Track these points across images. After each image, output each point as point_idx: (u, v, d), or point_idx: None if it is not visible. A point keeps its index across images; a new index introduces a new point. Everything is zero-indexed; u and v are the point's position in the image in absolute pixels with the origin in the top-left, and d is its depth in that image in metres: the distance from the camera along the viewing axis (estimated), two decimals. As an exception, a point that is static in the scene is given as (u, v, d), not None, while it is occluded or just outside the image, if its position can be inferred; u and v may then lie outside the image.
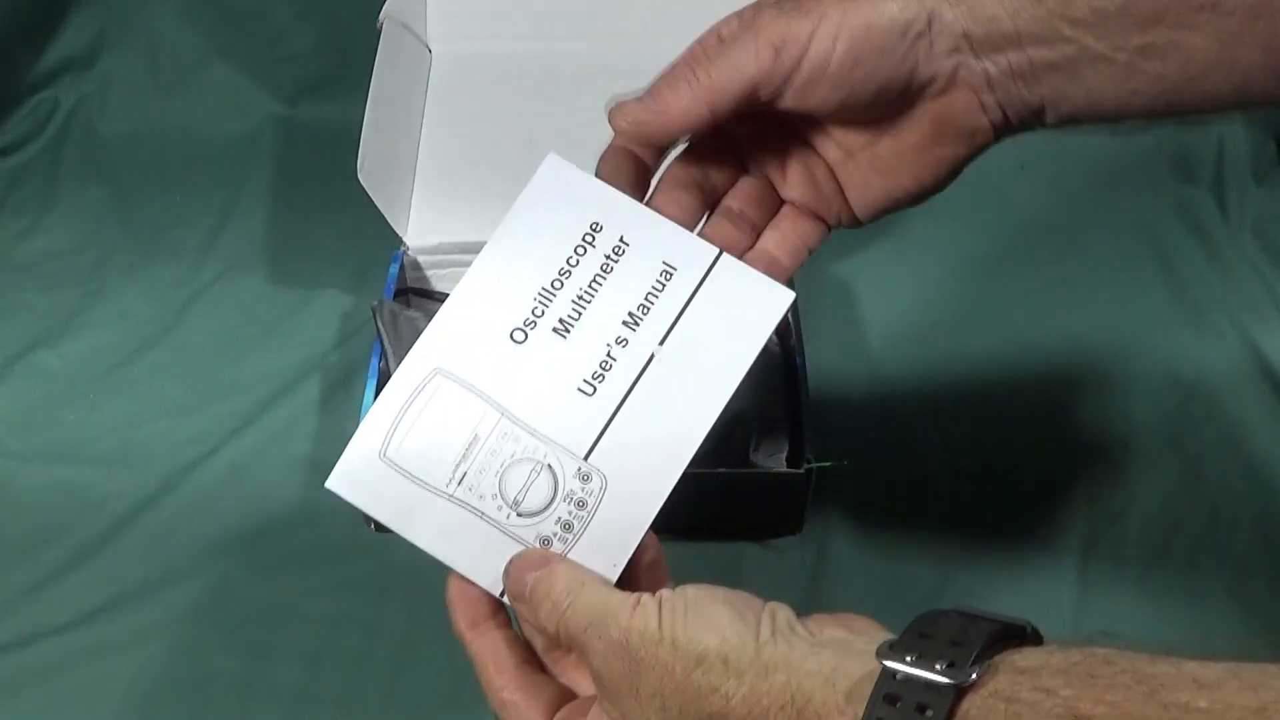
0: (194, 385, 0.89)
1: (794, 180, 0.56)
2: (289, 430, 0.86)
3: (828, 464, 0.72)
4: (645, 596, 0.46)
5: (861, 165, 0.55)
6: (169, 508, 0.82)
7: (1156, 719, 0.36)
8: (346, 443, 0.51)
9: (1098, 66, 0.51)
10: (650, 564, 0.52)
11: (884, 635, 0.43)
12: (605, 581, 0.49)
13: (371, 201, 0.80)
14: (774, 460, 0.75)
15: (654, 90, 0.52)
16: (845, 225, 0.57)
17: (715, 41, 0.53)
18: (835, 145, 0.55)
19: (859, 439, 0.83)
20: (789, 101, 0.52)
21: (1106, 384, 0.88)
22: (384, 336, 0.77)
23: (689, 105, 0.51)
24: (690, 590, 0.46)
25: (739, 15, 0.53)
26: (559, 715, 0.49)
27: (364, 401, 0.76)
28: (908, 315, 0.92)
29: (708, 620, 0.44)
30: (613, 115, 0.53)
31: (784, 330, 0.78)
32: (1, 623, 0.76)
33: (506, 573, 0.50)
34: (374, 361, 0.77)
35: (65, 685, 0.73)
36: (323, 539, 0.78)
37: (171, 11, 1.07)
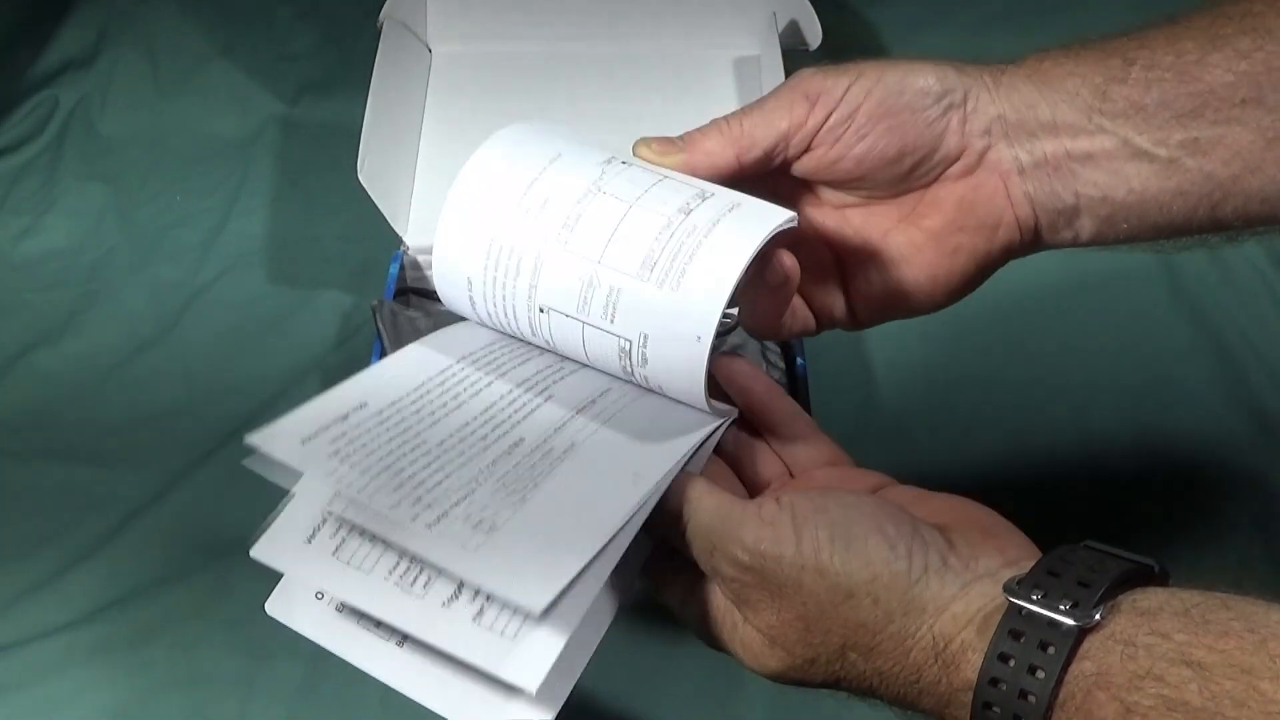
0: (194, 385, 0.89)
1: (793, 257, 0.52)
2: (289, 430, 0.86)
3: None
4: (768, 507, 0.44)
5: (874, 251, 0.53)
6: (169, 508, 0.82)
7: (1264, 669, 0.37)
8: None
9: (1140, 163, 0.51)
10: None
11: (1034, 558, 0.44)
12: (714, 489, 0.46)
13: (371, 201, 0.80)
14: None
15: (686, 133, 0.52)
16: (841, 325, 0.56)
17: (756, 102, 0.53)
18: (853, 231, 0.53)
19: (859, 440, 0.83)
20: (814, 158, 0.51)
21: (1106, 385, 0.88)
22: (384, 336, 0.77)
23: (717, 149, 0.51)
24: (834, 507, 0.44)
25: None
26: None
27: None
28: (906, 324, 0.92)
29: (857, 551, 0.43)
30: (638, 146, 0.52)
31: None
32: (2, 623, 0.76)
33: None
34: (374, 361, 0.77)
35: (65, 685, 0.73)
36: (323, 539, 0.78)
37: (171, 11, 1.07)
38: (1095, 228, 0.52)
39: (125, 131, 1.05)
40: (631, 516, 0.45)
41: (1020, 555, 0.44)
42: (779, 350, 0.79)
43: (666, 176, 0.50)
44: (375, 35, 0.90)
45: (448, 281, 0.52)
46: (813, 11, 0.91)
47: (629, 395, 0.51)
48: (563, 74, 0.95)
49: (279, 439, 0.47)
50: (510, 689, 0.45)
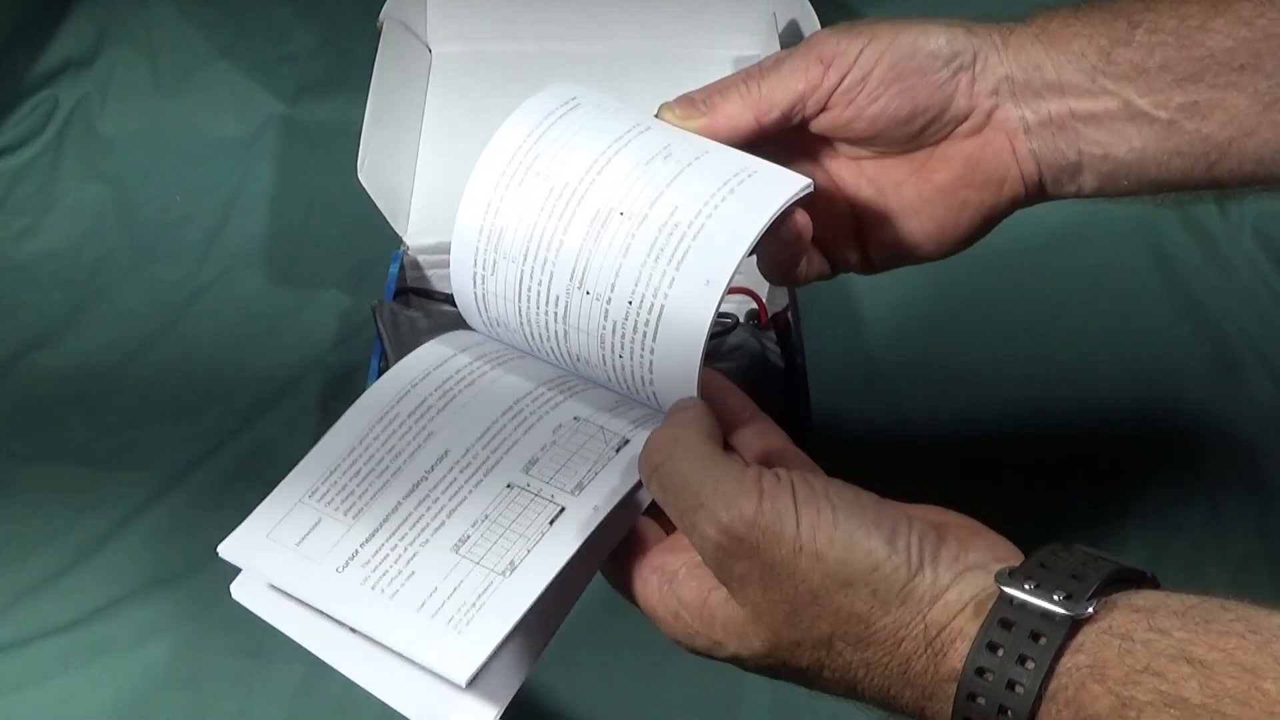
0: (194, 385, 0.89)
1: (814, 213, 0.54)
2: (289, 430, 0.86)
3: (827, 464, 0.72)
4: (769, 482, 0.44)
5: (888, 204, 0.55)
6: (169, 507, 0.82)
7: (1268, 670, 0.36)
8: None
9: (1140, 124, 0.52)
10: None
11: (1022, 559, 0.43)
12: (710, 440, 0.46)
13: (371, 201, 0.80)
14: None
15: (707, 94, 0.54)
16: (855, 270, 0.57)
17: (774, 60, 0.55)
18: (866, 177, 0.55)
19: (859, 439, 0.83)
20: (829, 117, 0.53)
21: (1106, 384, 0.88)
22: (384, 336, 0.77)
23: (737, 112, 0.53)
24: (835, 495, 0.44)
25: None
26: (650, 555, 0.47)
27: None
28: (908, 315, 0.92)
29: (857, 543, 0.42)
30: (662, 109, 0.54)
31: (784, 330, 0.78)
32: (1, 623, 0.76)
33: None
34: (374, 361, 0.77)
35: (65, 685, 0.73)
36: (323, 539, 0.78)
37: (171, 11, 1.07)
38: (1097, 183, 0.54)
39: (125, 131, 1.05)
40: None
41: (1008, 555, 0.44)
42: (779, 351, 0.79)
43: (693, 147, 0.52)
44: (375, 35, 0.90)
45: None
46: (812, 11, 0.91)
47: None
48: (563, 74, 0.95)
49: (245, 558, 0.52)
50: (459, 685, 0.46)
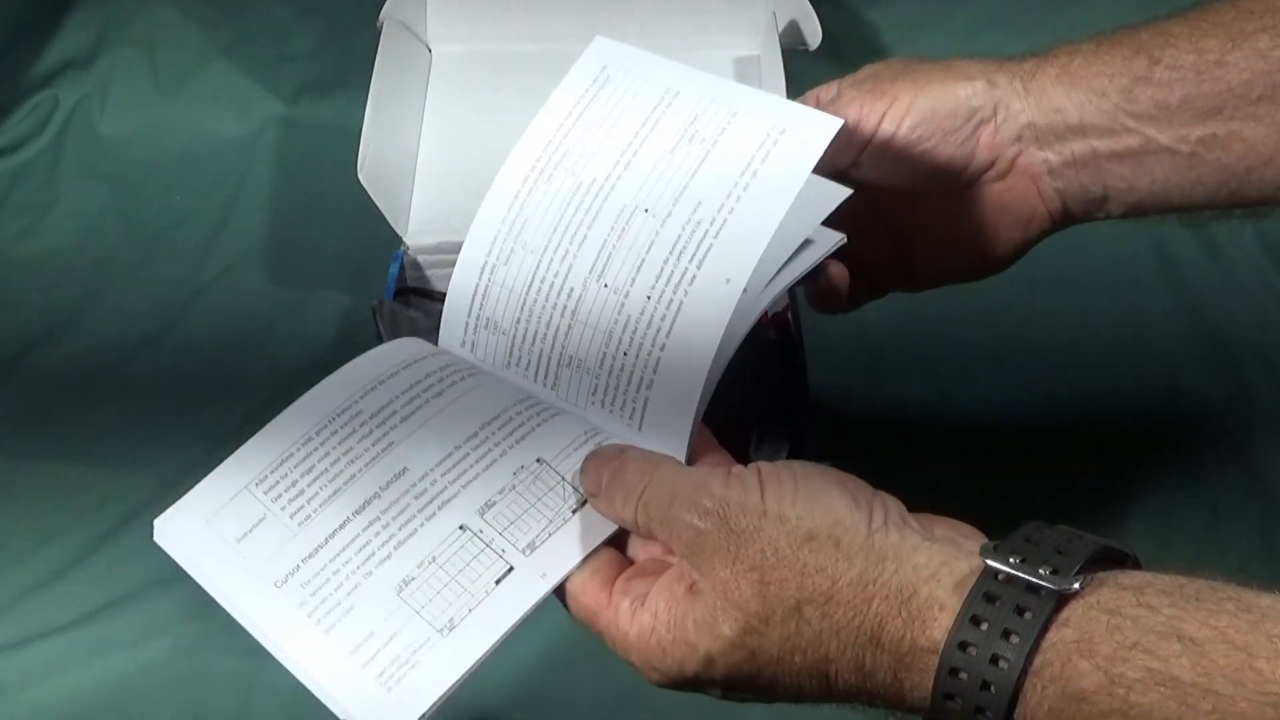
0: (194, 385, 0.89)
1: (854, 239, 0.56)
2: (289, 430, 0.86)
3: (828, 464, 0.72)
4: (737, 468, 0.46)
5: (926, 237, 0.59)
6: (169, 507, 0.82)
7: (1260, 648, 0.36)
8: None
9: (1161, 158, 0.54)
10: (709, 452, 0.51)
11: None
12: (678, 462, 0.49)
13: (371, 201, 0.80)
14: (775, 459, 0.75)
15: None
16: (901, 290, 0.61)
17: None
18: (906, 214, 0.59)
19: (859, 439, 0.83)
20: (860, 174, 0.56)
21: (1106, 384, 0.88)
22: (384, 336, 0.77)
23: None
24: (798, 466, 0.46)
25: (837, 84, 0.58)
26: (618, 583, 0.47)
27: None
28: (908, 315, 0.92)
29: (818, 500, 0.44)
30: None
31: (784, 329, 0.78)
32: (1, 623, 0.76)
33: (583, 471, 0.49)
34: (374, 361, 0.77)
35: (65, 685, 0.73)
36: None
37: (171, 11, 1.07)
38: (1123, 211, 0.57)
39: (125, 131, 1.05)
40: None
41: (975, 535, 0.45)
42: (779, 349, 0.79)
43: (723, 112, 0.53)
44: (375, 35, 0.90)
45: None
46: (812, 11, 0.91)
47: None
48: (563, 74, 0.95)
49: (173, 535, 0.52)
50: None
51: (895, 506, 0.45)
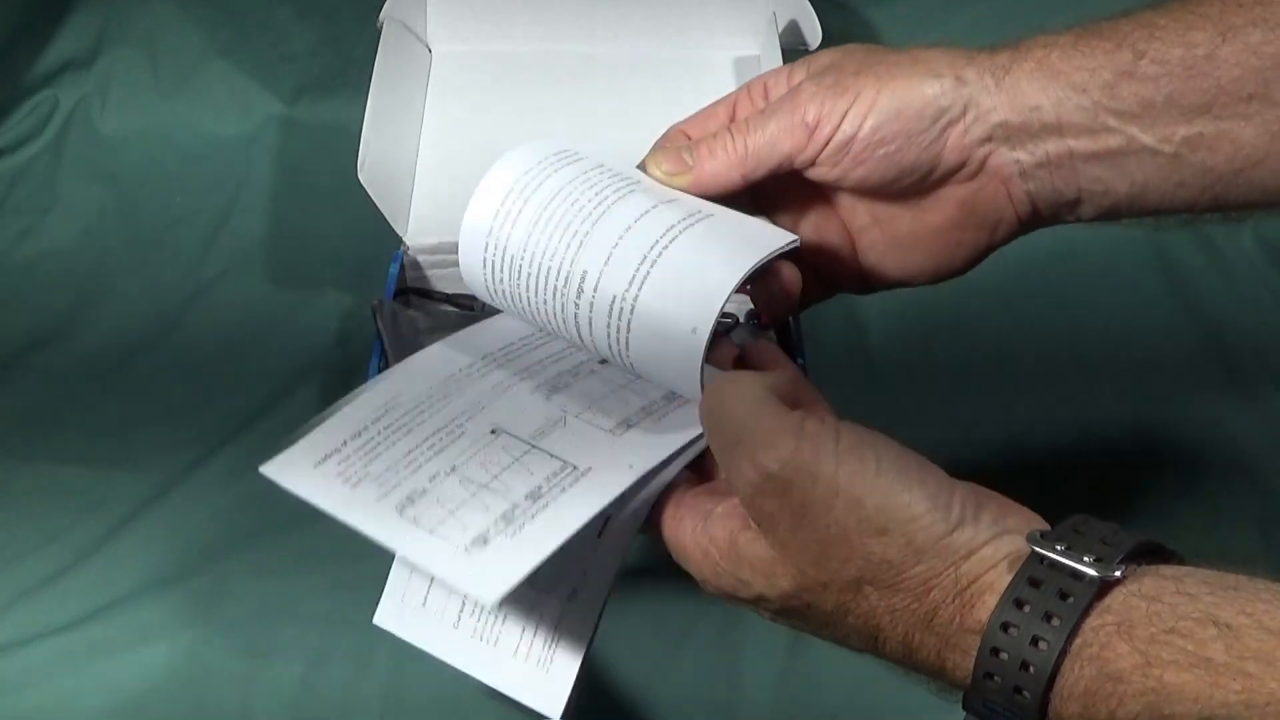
0: (194, 385, 0.89)
1: (807, 235, 0.55)
2: (289, 430, 0.86)
3: None
4: (812, 423, 0.44)
5: (884, 236, 0.55)
6: (169, 507, 0.82)
7: None
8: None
9: (1143, 158, 0.51)
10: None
11: None
12: (765, 388, 0.46)
13: (371, 201, 0.80)
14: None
15: (695, 148, 0.54)
16: (850, 291, 0.58)
17: (761, 99, 0.55)
18: (863, 212, 0.55)
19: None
20: (818, 173, 0.53)
21: (1106, 384, 0.88)
22: (384, 336, 0.77)
23: (722, 170, 0.53)
24: (881, 444, 0.44)
25: (787, 74, 0.55)
26: (685, 498, 0.48)
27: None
28: (908, 315, 0.92)
29: (898, 494, 0.43)
30: (647, 161, 0.55)
31: (784, 330, 0.78)
32: (1, 623, 0.76)
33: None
34: (374, 361, 0.77)
35: (65, 685, 0.73)
36: (323, 539, 0.78)
37: (171, 11, 1.07)
38: (1095, 214, 0.54)
39: (125, 131, 1.05)
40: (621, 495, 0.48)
41: (1043, 526, 0.45)
42: (777, 339, 0.79)
43: (673, 200, 0.53)
44: (375, 35, 0.90)
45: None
46: (812, 11, 0.91)
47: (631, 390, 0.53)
48: (563, 74, 0.95)
49: (290, 468, 0.51)
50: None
51: (971, 500, 0.44)
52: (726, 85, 0.95)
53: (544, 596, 0.51)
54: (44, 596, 0.77)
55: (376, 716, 0.72)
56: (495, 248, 0.54)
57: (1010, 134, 0.52)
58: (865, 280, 0.57)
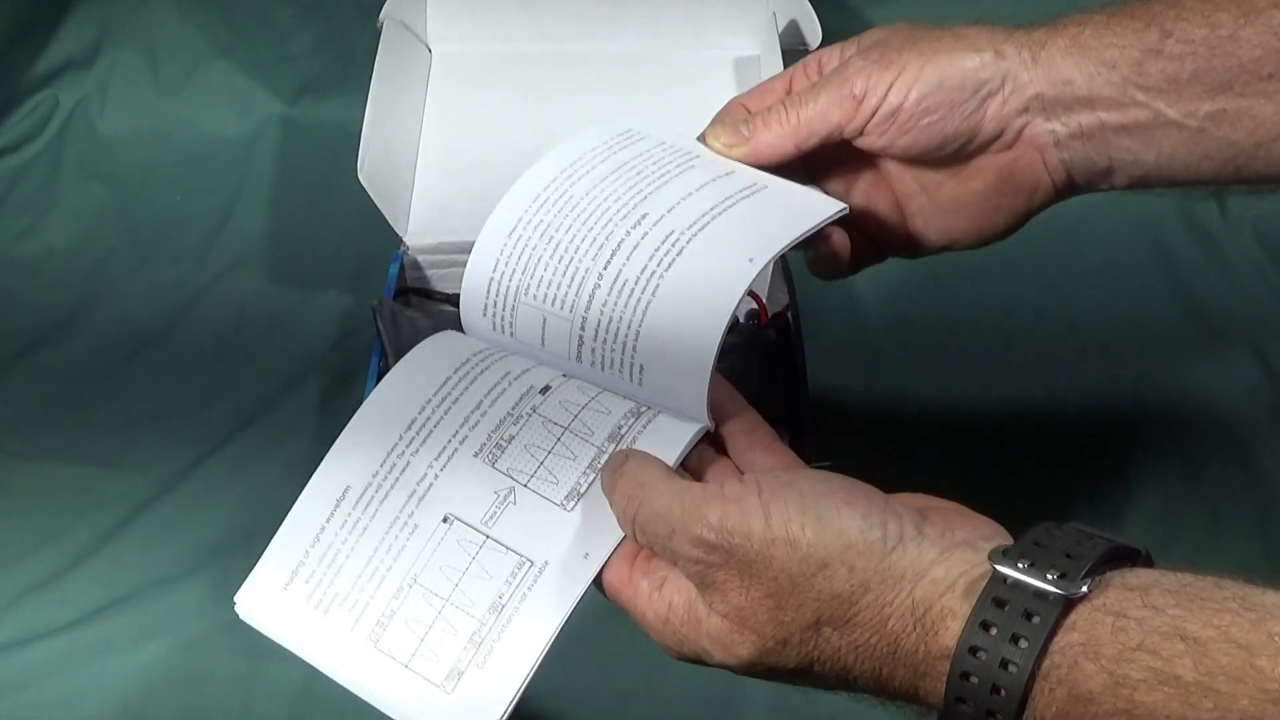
0: (194, 385, 0.89)
1: (858, 202, 0.59)
2: (289, 430, 0.86)
3: (828, 464, 0.72)
4: (732, 486, 0.45)
5: (930, 202, 0.59)
6: (169, 508, 0.82)
7: (1262, 647, 0.37)
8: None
9: (1169, 131, 0.54)
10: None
11: (1007, 541, 0.44)
12: (672, 474, 0.47)
13: (371, 201, 0.80)
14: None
15: (751, 121, 0.58)
16: (900, 255, 0.61)
17: (815, 73, 0.59)
18: (910, 179, 0.59)
19: (859, 439, 0.83)
20: (866, 141, 0.57)
21: (1106, 384, 0.88)
22: (384, 336, 0.77)
23: (777, 141, 0.57)
24: (801, 480, 0.45)
25: (840, 50, 0.59)
26: (638, 561, 0.48)
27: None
28: (908, 314, 0.92)
29: (829, 521, 0.43)
30: (707, 134, 0.59)
31: (784, 329, 0.78)
32: (1, 623, 0.76)
33: (602, 478, 0.49)
34: (374, 361, 0.77)
35: (65, 685, 0.73)
36: (323, 539, 0.78)
37: (171, 11, 1.07)
38: (1128, 183, 0.57)
39: (125, 131, 1.05)
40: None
41: (994, 534, 0.45)
42: (779, 350, 0.79)
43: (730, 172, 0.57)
44: (375, 35, 0.90)
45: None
46: (812, 11, 0.91)
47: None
48: (563, 74, 0.95)
49: (260, 600, 0.51)
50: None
51: (910, 516, 0.44)
52: (726, 85, 0.95)
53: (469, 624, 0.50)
54: (44, 596, 0.77)
55: (376, 716, 0.72)
56: (556, 197, 0.56)
57: (1045, 106, 0.55)
58: (914, 244, 0.60)
